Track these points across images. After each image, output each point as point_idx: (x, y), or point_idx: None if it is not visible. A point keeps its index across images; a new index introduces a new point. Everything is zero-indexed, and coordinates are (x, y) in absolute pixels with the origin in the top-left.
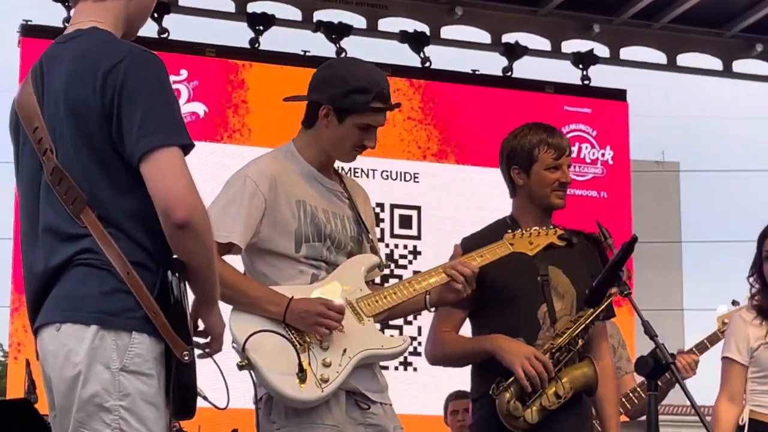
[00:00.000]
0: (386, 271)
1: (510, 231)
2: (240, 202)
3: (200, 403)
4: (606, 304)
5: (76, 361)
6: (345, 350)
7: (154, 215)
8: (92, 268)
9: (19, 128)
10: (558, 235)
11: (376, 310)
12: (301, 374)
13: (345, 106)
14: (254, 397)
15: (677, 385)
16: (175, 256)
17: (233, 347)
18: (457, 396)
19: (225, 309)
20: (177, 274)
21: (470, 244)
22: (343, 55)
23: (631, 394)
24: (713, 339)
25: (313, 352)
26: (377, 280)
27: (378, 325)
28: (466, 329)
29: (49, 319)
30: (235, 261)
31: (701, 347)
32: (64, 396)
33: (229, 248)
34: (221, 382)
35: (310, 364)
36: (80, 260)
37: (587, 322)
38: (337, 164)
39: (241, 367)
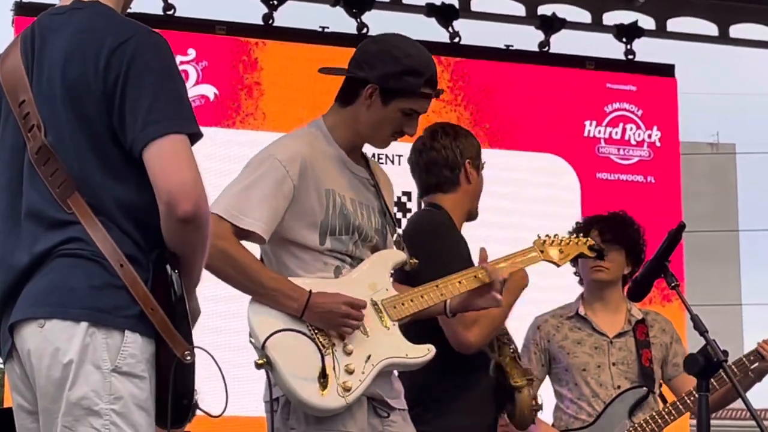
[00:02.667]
0: None
1: (539, 236)
2: (267, 186)
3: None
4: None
5: (65, 360)
6: (369, 356)
7: (147, 207)
8: (79, 259)
9: (1, 99)
10: (588, 246)
11: (402, 314)
12: (323, 380)
13: (395, 87)
14: (268, 398)
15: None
16: (168, 251)
17: (251, 342)
18: None
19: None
20: (177, 270)
21: None
22: (365, 31)
23: (686, 397)
24: None
25: (336, 356)
26: None
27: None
28: None
29: (29, 314)
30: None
31: None
32: (52, 399)
33: (248, 235)
34: (207, 385)
35: (333, 369)
36: (65, 250)
37: None
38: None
39: (259, 366)
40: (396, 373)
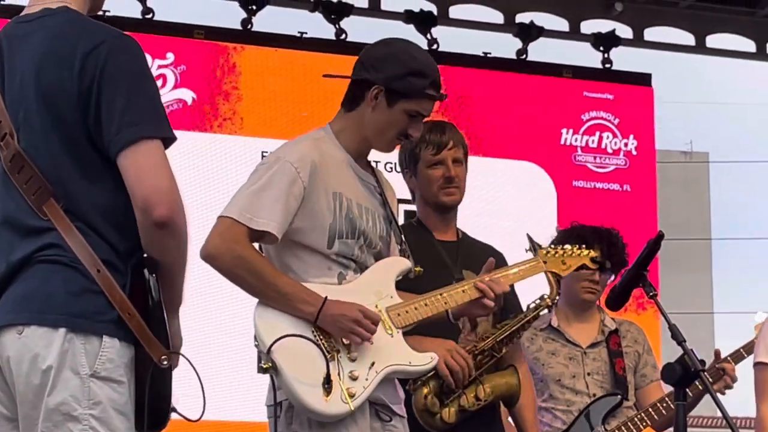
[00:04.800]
0: None
1: (542, 247)
2: (278, 187)
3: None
4: (535, 314)
5: (44, 366)
6: (373, 363)
7: (124, 211)
8: (57, 265)
9: None
10: (591, 258)
11: (406, 322)
12: (327, 386)
13: (400, 88)
14: (272, 401)
15: (707, 395)
16: (146, 256)
17: (255, 346)
18: None
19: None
20: (154, 275)
21: None
22: (343, 37)
23: (659, 405)
24: (749, 348)
25: (340, 362)
26: None
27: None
28: None
29: (7, 320)
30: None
31: (737, 357)
32: (31, 405)
33: (262, 236)
34: (185, 389)
35: (338, 375)
36: (43, 256)
37: (512, 329)
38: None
39: (264, 370)
40: (397, 380)
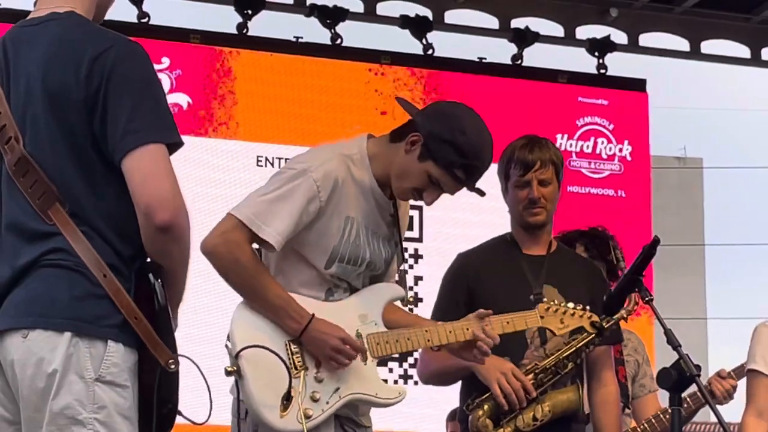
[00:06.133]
0: None
1: (544, 301)
2: (296, 203)
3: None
4: (609, 326)
5: (49, 370)
6: (338, 388)
7: (128, 217)
8: (62, 270)
9: None
10: (591, 321)
11: (383, 353)
12: (286, 402)
13: (433, 149)
14: (236, 408)
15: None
16: (149, 260)
17: (226, 346)
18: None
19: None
20: (159, 280)
21: (470, 260)
22: (338, 41)
23: (662, 415)
24: None
25: (305, 380)
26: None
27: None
28: None
29: (12, 324)
30: None
31: (740, 372)
32: (36, 408)
33: (263, 242)
34: (192, 395)
35: (299, 393)
36: (48, 261)
37: (579, 345)
38: None
39: (229, 373)
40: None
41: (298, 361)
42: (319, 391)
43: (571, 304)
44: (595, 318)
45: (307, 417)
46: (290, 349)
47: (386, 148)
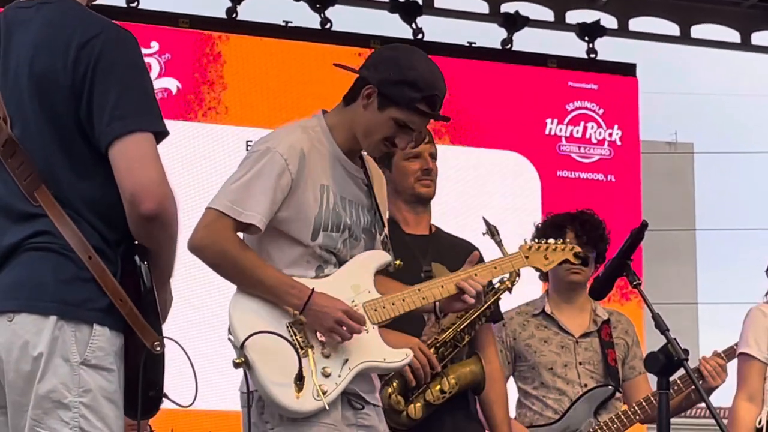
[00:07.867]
0: None
1: (525, 241)
2: (267, 179)
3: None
4: (495, 299)
5: (35, 354)
6: (346, 360)
7: (113, 204)
8: (47, 252)
9: None
10: (574, 253)
11: (383, 317)
12: (300, 383)
13: (390, 94)
14: (245, 392)
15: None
16: (136, 243)
17: (229, 339)
18: None
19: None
20: (145, 262)
21: None
22: (328, 26)
23: (652, 398)
24: None
25: (314, 358)
26: None
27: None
28: None
29: None
30: None
31: (730, 353)
32: (21, 392)
33: (247, 227)
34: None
35: (311, 371)
36: (33, 243)
37: (473, 317)
38: None
39: (237, 365)
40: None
41: (302, 341)
42: (329, 366)
43: (552, 240)
44: (578, 249)
45: (324, 393)
46: (292, 331)
47: (343, 113)
